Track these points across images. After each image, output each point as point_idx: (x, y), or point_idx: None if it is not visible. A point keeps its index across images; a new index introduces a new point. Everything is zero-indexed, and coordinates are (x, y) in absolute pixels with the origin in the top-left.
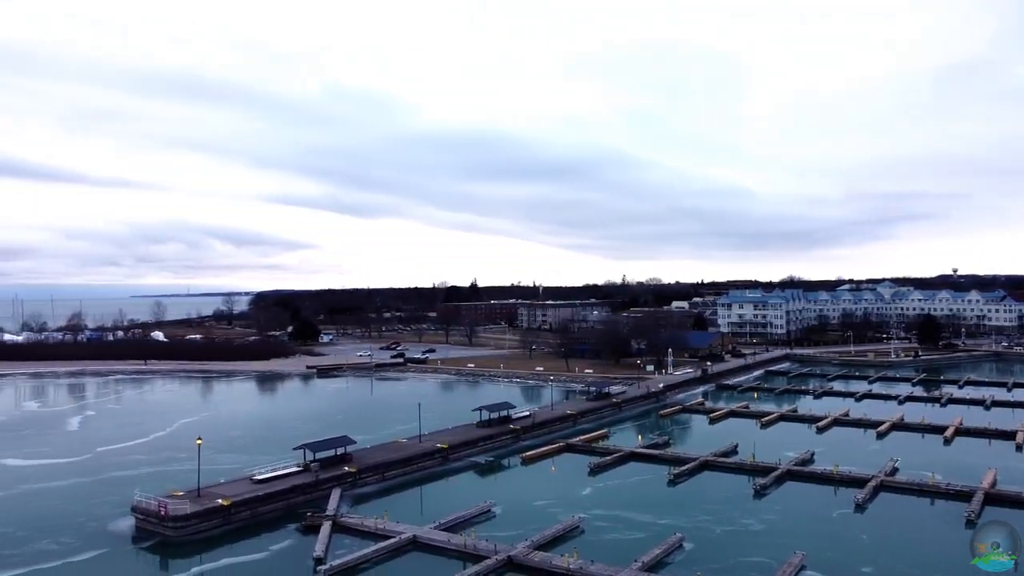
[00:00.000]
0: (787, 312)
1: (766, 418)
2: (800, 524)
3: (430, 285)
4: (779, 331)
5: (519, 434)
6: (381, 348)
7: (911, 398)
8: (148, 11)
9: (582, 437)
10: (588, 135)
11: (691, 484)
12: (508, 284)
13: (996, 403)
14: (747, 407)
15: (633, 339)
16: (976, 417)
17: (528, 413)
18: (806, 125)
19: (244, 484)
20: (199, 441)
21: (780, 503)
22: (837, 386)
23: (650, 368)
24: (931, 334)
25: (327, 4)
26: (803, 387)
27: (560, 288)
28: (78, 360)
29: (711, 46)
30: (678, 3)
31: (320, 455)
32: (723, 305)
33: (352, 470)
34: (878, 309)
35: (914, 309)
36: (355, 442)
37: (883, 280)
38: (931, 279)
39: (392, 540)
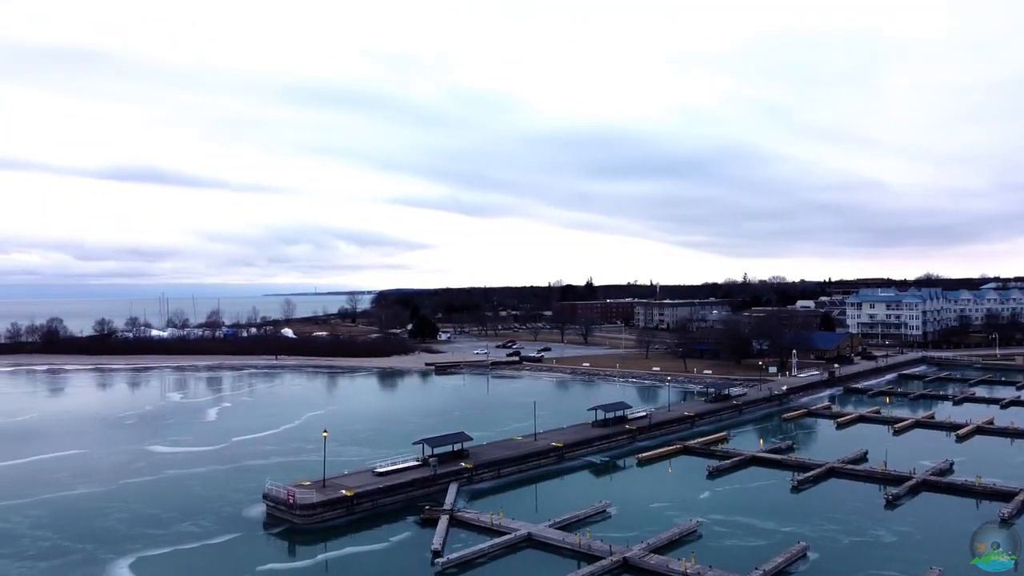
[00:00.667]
0: (924, 312)
1: (899, 424)
2: (937, 538)
3: (546, 284)
4: (914, 332)
5: (635, 434)
6: (497, 346)
7: None
8: (279, 23)
9: (700, 439)
10: (712, 130)
11: (816, 491)
12: (624, 283)
13: None
14: (878, 412)
15: (755, 339)
16: None
17: (644, 413)
18: (951, 113)
19: (366, 476)
20: (325, 434)
21: (914, 515)
22: (980, 392)
23: (773, 370)
24: None
25: (446, 7)
26: (941, 392)
27: (678, 287)
28: (216, 355)
29: (846, 32)
30: None
31: (438, 450)
32: (852, 304)
33: (468, 466)
34: None
35: None
36: (472, 439)
37: None
38: None
39: (507, 536)
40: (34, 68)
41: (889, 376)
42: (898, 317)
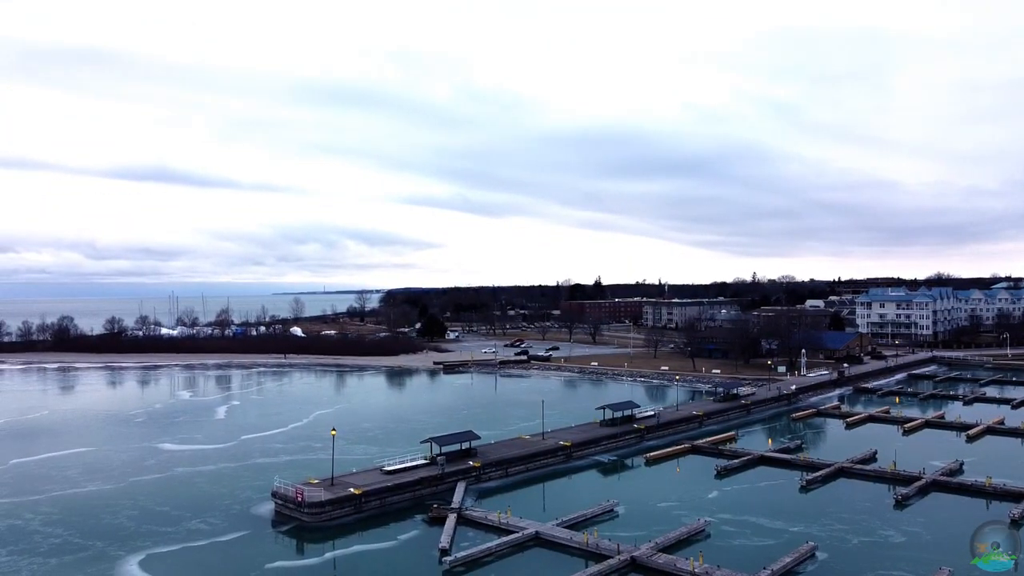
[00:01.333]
0: (934, 312)
1: (909, 424)
2: (947, 539)
3: (554, 283)
4: (925, 332)
5: (643, 434)
6: (505, 345)
7: None
8: (289, 22)
9: (709, 439)
10: (721, 128)
11: (825, 491)
12: (633, 282)
13: None
14: (888, 412)
15: (763, 339)
16: None
17: (653, 413)
18: (963, 111)
19: (374, 474)
20: (333, 432)
21: (924, 515)
22: (991, 392)
23: (781, 369)
24: None
25: (458, 6)
26: (951, 392)
27: (686, 286)
28: (225, 353)
29: (857, 29)
30: None
31: (446, 449)
32: (862, 304)
33: (476, 465)
34: None
35: None
36: (480, 437)
37: None
38: None
39: (515, 535)
40: (45, 68)
41: (899, 376)
42: (908, 317)
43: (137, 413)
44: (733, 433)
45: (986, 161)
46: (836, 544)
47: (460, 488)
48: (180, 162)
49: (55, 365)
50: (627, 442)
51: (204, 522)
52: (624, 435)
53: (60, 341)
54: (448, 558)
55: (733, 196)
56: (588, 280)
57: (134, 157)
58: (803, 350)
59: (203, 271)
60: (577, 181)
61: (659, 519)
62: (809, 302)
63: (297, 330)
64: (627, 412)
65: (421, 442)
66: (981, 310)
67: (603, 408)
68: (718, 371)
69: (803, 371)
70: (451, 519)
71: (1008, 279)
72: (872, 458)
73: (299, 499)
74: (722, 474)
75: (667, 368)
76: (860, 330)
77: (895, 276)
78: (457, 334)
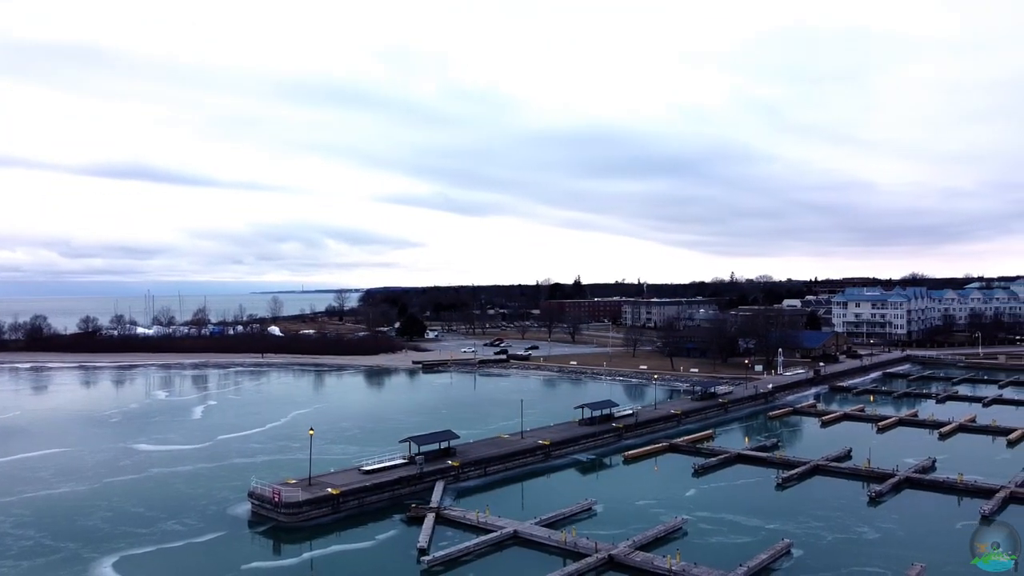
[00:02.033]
0: (908, 311)
1: (883, 422)
2: (920, 535)
3: (534, 282)
4: (899, 331)
5: (622, 432)
6: (485, 344)
7: None
8: (272, 20)
9: (686, 437)
10: (705, 128)
11: (801, 489)
12: (612, 281)
13: None
14: (863, 410)
15: (741, 338)
16: None
17: (631, 412)
18: (943, 113)
19: (353, 474)
20: (311, 432)
21: (898, 512)
22: (963, 390)
23: (759, 368)
24: None
25: (442, 5)
26: (925, 391)
27: (665, 285)
28: (202, 353)
29: (838, 30)
30: None
31: (425, 448)
32: (838, 303)
33: (455, 464)
34: (1011, 309)
35: None
36: (458, 436)
37: (1018, 278)
38: None
39: (494, 534)
40: (25, 64)
41: (874, 375)
42: (883, 316)
43: (112, 413)
44: (711, 432)
45: (964, 162)
46: (811, 541)
47: (439, 487)
48: (161, 160)
49: (28, 365)
50: (605, 441)
51: (180, 523)
52: (603, 434)
53: (33, 340)
54: (426, 557)
55: (715, 196)
56: (568, 279)
57: (113, 154)
58: (780, 349)
59: (181, 270)
60: (559, 180)
61: (637, 517)
62: (786, 301)
63: (275, 329)
64: (606, 411)
65: (400, 441)
66: (954, 310)
67: (582, 407)
68: (696, 370)
69: (780, 370)
70: (429, 518)
71: (981, 279)
72: (847, 456)
73: (276, 499)
74: (699, 472)
75: (646, 367)
76: (836, 329)
77: (872, 276)
78: (437, 333)
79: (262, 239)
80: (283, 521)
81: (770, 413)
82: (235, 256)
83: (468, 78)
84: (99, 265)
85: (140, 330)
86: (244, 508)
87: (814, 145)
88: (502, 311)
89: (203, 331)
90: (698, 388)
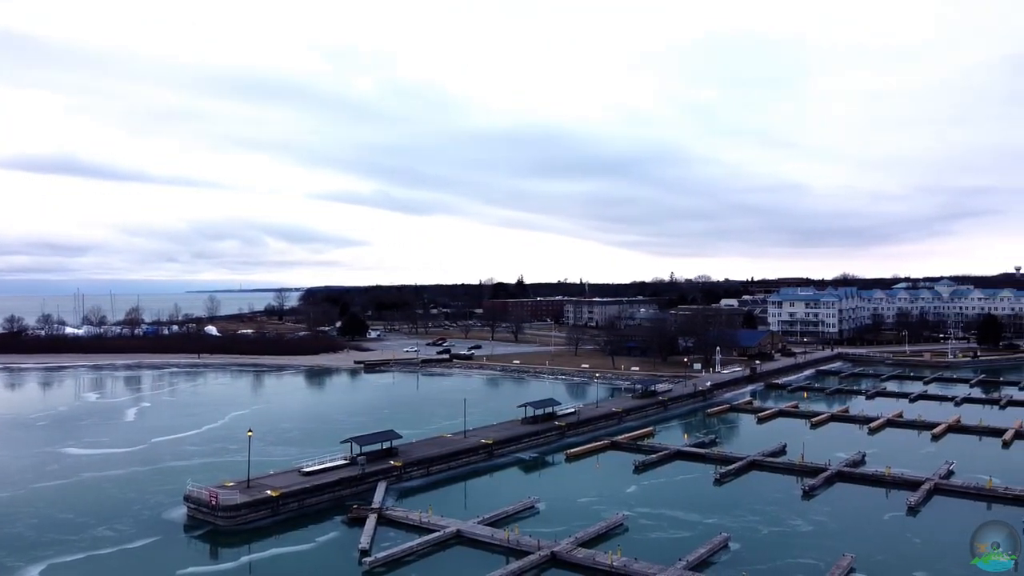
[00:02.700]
0: (840, 311)
1: (816, 418)
2: (850, 526)
3: (477, 282)
4: (831, 330)
5: (564, 431)
6: (428, 344)
7: (968, 400)
8: (209, 13)
9: (627, 435)
10: (644, 131)
11: (738, 484)
12: (555, 281)
13: None
14: (797, 407)
15: (681, 337)
16: None
17: (573, 410)
18: (871, 118)
19: (293, 476)
20: (250, 433)
21: (829, 505)
22: (891, 387)
23: (697, 366)
24: (992, 334)
25: (390, 4)
26: (855, 388)
27: (607, 285)
28: (135, 353)
29: (773, 37)
30: None
31: (367, 449)
32: (774, 303)
33: (398, 464)
34: (936, 308)
35: (974, 308)
36: (401, 436)
37: (941, 278)
38: (993, 278)
39: (436, 534)
40: None
41: (807, 372)
42: (816, 315)
43: (39, 416)
44: (651, 429)
45: (890, 167)
46: (748, 534)
47: (381, 488)
48: (89, 153)
49: None
50: (548, 439)
51: (111, 529)
52: (545, 432)
53: None
54: (368, 559)
55: (653, 197)
56: (511, 279)
57: (37, 147)
58: (718, 348)
59: (113, 268)
60: (501, 180)
61: (579, 514)
62: (724, 301)
63: (212, 329)
64: (548, 410)
65: (341, 442)
66: (883, 309)
67: (524, 406)
68: (637, 368)
69: (718, 368)
70: (371, 519)
71: (907, 280)
72: (782, 451)
73: (213, 502)
74: (640, 469)
75: (588, 366)
76: (772, 328)
77: (806, 276)
78: (379, 333)
79: (198, 237)
80: (221, 525)
81: (708, 410)
82: (170, 254)
83: (406, 75)
84: (24, 263)
85: (69, 330)
86: (180, 512)
87: (749, 148)
88: (445, 310)
89: (136, 331)
90: (639, 386)
